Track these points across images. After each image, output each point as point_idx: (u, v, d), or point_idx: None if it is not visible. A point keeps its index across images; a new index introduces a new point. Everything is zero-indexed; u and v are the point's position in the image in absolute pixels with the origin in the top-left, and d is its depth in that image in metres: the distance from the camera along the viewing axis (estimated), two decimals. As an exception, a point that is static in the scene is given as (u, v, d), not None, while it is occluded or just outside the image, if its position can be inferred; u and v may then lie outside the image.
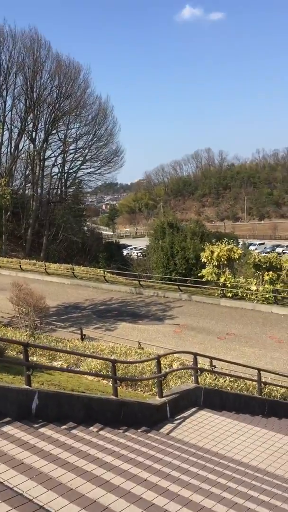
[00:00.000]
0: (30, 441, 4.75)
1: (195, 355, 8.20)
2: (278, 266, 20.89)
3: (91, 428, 6.02)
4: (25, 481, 3.86)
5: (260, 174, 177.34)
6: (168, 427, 7.10)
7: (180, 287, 23.66)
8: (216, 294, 21.88)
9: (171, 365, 9.81)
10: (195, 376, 8.11)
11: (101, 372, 8.98)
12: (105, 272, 28.55)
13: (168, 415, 7.40)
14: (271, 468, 5.81)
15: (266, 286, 20.41)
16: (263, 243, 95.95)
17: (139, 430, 6.60)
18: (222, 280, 21.50)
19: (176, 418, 7.38)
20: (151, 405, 7.22)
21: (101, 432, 5.90)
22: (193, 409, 7.67)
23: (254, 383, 9.43)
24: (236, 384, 9.28)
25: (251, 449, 6.35)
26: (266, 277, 20.55)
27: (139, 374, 9.02)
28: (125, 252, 57.25)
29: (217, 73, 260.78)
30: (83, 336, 15.09)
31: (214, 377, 9.01)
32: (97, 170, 55.05)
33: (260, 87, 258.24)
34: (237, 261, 23.47)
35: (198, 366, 8.61)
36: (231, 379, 9.36)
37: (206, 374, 8.87)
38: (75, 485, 3.94)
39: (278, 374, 10.80)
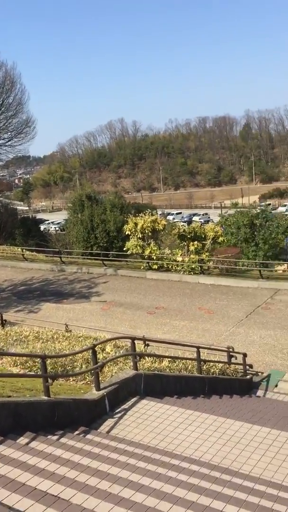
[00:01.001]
0: None
1: (133, 339, 7.46)
2: (203, 236, 20.69)
3: (20, 439, 5.10)
4: None
5: (173, 144, 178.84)
6: (109, 423, 6.34)
7: (104, 262, 22.83)
8: (142, 267, 21.32)
9: (104, 349, 9.02)
10: (134, 362, 7.39)
11: (28, 364, 7.98)
12: (23, 250, 26.96)
13: (108, 409, 6.64)
14: (227, 461, 5.26)
15: (192, 256, 20.16)
16: (180, 213, 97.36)
17: (76, 432, 5.79)
18: (147, 252, 20.95)
19: (116, 411, 6.64)
20: (88, 401, 6.41)
21: (31, 444, 5.00)
22: (134, 399, 6.96)
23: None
24: (175, 364, 8.71)
25: (201, 440, 5.78)
26: (191, 248, 20.28)
27: (69, 362, 8.15)
28: (42, 227, 55.03)
29: (129, 43, 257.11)
30: (3, 322, 13.83)
31: (153, 359, 8.35)
32: (7, 142, 51.75)
33: (171, 58, 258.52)
34: (162, 232, 23.00)
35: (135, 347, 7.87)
36: (170, 359, 8.76)
37: (145, 357, 8.19)
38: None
39: (216, 349, 10.42)
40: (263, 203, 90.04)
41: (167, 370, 8.38)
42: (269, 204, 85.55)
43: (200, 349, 9.18)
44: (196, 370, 8.91)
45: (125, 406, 6.78)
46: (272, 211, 48.72)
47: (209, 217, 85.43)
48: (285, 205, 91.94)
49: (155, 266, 21.02)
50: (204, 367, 9.33)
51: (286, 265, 33.06)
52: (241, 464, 5.16)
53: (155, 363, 8.39)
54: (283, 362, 11.60)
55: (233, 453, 5.40)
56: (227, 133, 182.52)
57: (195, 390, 8.41)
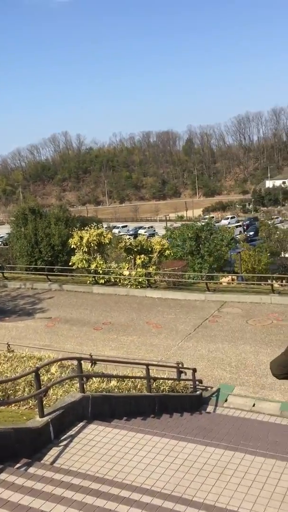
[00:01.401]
0: None
1: (79, 360, 7.05)
2: (149, 249, 20.54)
3: None
4: None
5: (118, 158, 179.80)
6: (53, 452, 5.89)
7: (49, 277, 22.17)
8: (88, 281, 20.88)
9: (48, 370, 8.54)
10: (81, 384, 6.97)
11: None
12: None
13: (52, 437, 6.18)
14: (180, 488, 4.96)
15: (139, 270, 19.95)
16: (126, 226, 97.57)
17: (17, 465, 5.31)
18: (93, 266, 20.53)
19: (62, 439, 6.20)
20: (31, 429, 5.94)
21: None
22: (81, 424, 6.54)
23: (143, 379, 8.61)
24: (124, 383, 8.36)
25: (153, 466, 5.45)
26: (138, 261, 20.07)
27: (11, 386, 7.61)
28: (-16, 242, 53.21)
29: (69, 54, 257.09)
30: None
31: (100, 379, 7.97)
32: None
33: (112, 69, 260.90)
34: (108, 246, 22.67)
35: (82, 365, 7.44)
36: (118, 379, 8.40)
37: (93, 378, 7.80)
38: None
39: (165, 366, 10.17)
40: (206, 216, 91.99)
41: (116, 390, 8.02)
42: (213, 217, 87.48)
43: (150, 366, 8.89)
44: (145, 389, 8.60)
45: (71, 432, 6.35)
46: (215, 224, 49.66)
47: (154, 230, 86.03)
48: (227, 218, 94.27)
49: (101, 281, 20.64)
50: (154, 384, 9.04)
51: (230, 277, 33.69)
52: (195, 491, 4.88)
53: (103, 383, 8.00)
54: (232, 375, 11.52)
55: (187, 479, 5.12)
56: (170, 148, 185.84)
57: (145, 410, 8.09)
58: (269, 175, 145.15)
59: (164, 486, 5.01)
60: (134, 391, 8.49)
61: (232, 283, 24.90)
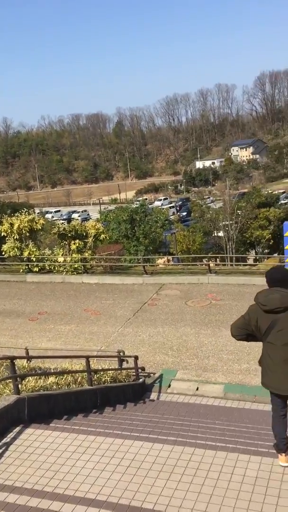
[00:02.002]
0: None
1: (12, 359, 6.44)
2: (84, 234, 19.91)
3: None
4: None
5: (48, 141, 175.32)
6: (-14, 465, 5.30)
7: (-22, 267, 20.94)
8: (21, 270, 19.94)
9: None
10: (15, 385, 6.38)
11: None
12: None
13: (-15, 447, 5.58)
14: (128, 493, 4.57)
15: (74, 255, 19.28)
16: (59, 210, 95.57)
17: None
18: (26, 254, 19.62)
19: (-4, 448, 5.61)
20: None
21: None
22: (17, 429, 5.98)
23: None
24: (63, 378, 7.84)
25: (98, 471, 5.02)
26: (73, 247, 19.39)
27: None
28: None
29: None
30: None
31: (38, 376, 7.39)
32: None
33: (38, 52, 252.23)
34: (41, 232, 21.74)
35: (15, 360, 6.83)
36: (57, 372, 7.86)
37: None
38: None
39: (106, 356, 9.74)
40: (140, 198, 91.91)
41: (54, 386, 7.48)
42: (146, 199, 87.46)
43: (90, 358, 8.42)
44: (86, 382, 8.13)
45: (6, 439, 5.78)
46: (149, 206, 49.63)
47: (88, 214, 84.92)
48: (160, 200, 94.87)
49: (35, 269, 19.78)
50: (95, 376, 8.60)
51: (166, 258, 33.76)
52: (145, 495, 4.50)
53: (40, 380, 7.43)
54: (174, 359, 11.31)
55: (135, 482, 4.73)
56: (101, 130, 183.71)
57: (86, 405, 7.64)
58: (198, 156, 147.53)
59: (111, 493, 4.59)
60: (74, 385, 7.99)
61: (168, 265, 24.85)
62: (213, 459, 4.97)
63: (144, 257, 22.53)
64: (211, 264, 23.56)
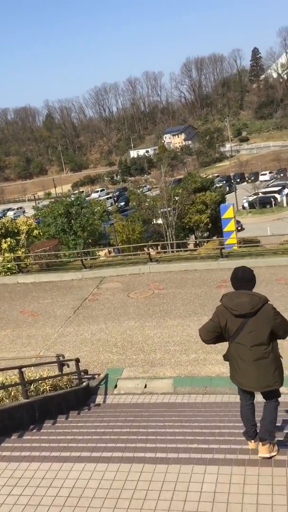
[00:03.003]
0: None
1: None
2: (16, 231, 18.75)
3: None
4: None
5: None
6: None
7: None
8: None
9: None
10: None
11: None
12: None
13: None
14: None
15: (6, 255, 18.11)
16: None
17: None
18: None
19: None
20: None
21: None
22: None
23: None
24: (-6, 395, 6.97)
25: (32, 507, 4.27)
26: (4, 245, 18.20)
27: None
28: None
29: None
30: None
31: None
32: None
33: None
34: None
35: None
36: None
37: None
38: None
39: (43, 363, 8.90)
40: (76, 191, 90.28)
41: (-16, 405, 6.61)
42: (82, 192, 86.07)
43: (26, 368, 7.57)
44: (21, 395, 7.29)
45: None
46: (86, 198, 48.67)
47: (24, 211, 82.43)
48: (97, 191, 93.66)
49: None
50: (32, 386, 7.77)
51: (106, 250, 32.98)
52: (88, 531, 3.82)
53: None
54: (119, 357, 10.65)
55: (77, 516, 4.03)
56: (30, 124, 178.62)
57: (22, 421, 6.83)
58: (132, 145, 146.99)
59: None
60: (7, 400, 7.14)
61: (109, 256, 24.14)
62: (164, 475, 4.36)
63: (82, 250, 21.65)
64: (153, 253, 23.10)
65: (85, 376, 9.60)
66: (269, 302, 4.53)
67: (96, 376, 9.92)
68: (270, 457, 4.51)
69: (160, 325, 12.01)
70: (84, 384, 9.23)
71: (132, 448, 5.02)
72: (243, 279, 4.57)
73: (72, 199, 33.06)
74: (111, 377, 9.77)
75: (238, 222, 45.50)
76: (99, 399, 9.13)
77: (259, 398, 4.76)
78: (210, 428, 5.97)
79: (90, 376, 9.86)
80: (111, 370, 10.04)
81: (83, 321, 12.99)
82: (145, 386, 9.37)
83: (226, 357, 4.77)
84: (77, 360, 9.13)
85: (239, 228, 43.71)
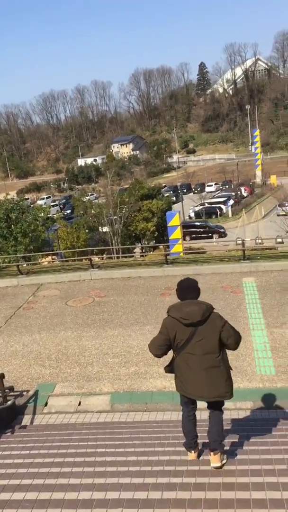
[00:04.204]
0: None
1: None
2: None
3: None
4: None
5: None
6: None
7: None
8: None
9: None
10: None
11: None
12: None
13: None
14: None
15: None
16: None
17: None
18: None
19: None
20: None
21: None
22: None
23: None
24: None
25: None
26: None
27: None
28: None
29: None
30: None
31: None
32: None
33: None
34: None
35: None
36: None
37: None
38: None
39: None
40: (22, 198, 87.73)
41: None
42: (27, 199, 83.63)
43: None
44: None
45: None
46: (32, 205, 47.24)
47: None
48: (43, 198, 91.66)
49: None
50: None
51: (50, 257, 31.64)
52: None
53: None
54: (52, 371, 9.61)
55: None
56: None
57: None
58: (80, 153, 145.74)
59: None
60: None
61: (53, 263, 22.95)
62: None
63: (19, 255, 20.37)
64: (96, 258, 22.17)
65: (11, 394, 8.49)
66: (215, 311, 4.61)
67: (25, 393, 8.83)
68: (222, 466, 4.58)
69: (99, 335, 11.07)
70: (9, 403, 8.12)
71: (51, 487, 4.06)
72: (189, 288, 4.63)
73: (11, 203, 31.48)
74: (41, 393, 8.72)
75: (222, 227, 45.58)
76: (26, 419, 8.05)
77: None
78: (148, 456, 5.11)
79: (18, 393, 8.75)
80: (41, 386, 8.98)
81: (15, 332, 11.83)
82: (79, 404, 8.39)
83: (168, 369, 4.81)
84: (1, 376, 8.02)
85: (224, 234, 43.72)
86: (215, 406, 4.67)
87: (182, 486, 4.12)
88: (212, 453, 4.56)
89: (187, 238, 40.59)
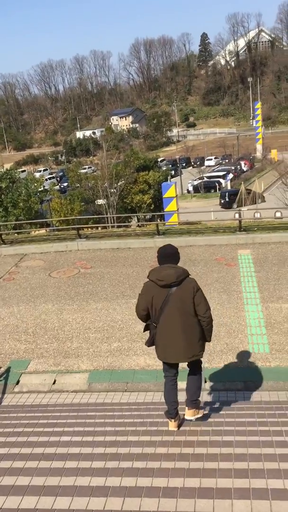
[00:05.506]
0: None
1: None
2: None
3: None
4: None
5: None
6: None
7: None
8: None
9: None
10: None
11: None
12: None
13: None
14: None
15: None
16: None
17: None
18: None
19: None
20: None
21: None
22: None
23: None
24: None
25: None
26: None
27: None
28: None
29: None
30: None
31: None
32: None
33: None
34: None
35: None
36: None
37: None
38: None
39: None
40: (18, 170, 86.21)
41: None
42: (24, 171, 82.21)
43: None
44: None
45: None
46: (21, 174, 46.16)
47: None
48: (40, 171, 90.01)
49: None
50: None
51: (44, 230, 30.74)
52: None
53: None
54: (28, 346, 8.86)
55: None
56: None
57: None
58: (78, 125, 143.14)
59: None
60: None
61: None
62: None
63: (3, 223, 19.49)
64: (86, 230, 21.33)
65: (-21, 371, 7.75)
66: (190, 276, 4.81)
67: (-4, 370, 8.10)
68: (194, 419, 5.03)
69: (81, 308, 10.28)
70: (-25, 380, 7.39)
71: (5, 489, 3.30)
72: (167, 254, 4.83)
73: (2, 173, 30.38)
74: (13, 371, 7.98)
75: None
76: (-6, 399, 7.33)
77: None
78: (117, 446, 4.36)
79: (-12, 370, 8.02)
80: (14, 363, 8.24)
81: (-7, 304, 11.05)
82: (54, 382, 7.66)
83: (149, 342, 4.93)
84: None
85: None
86: (193, 367, 4.95)
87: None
88: (187, 408, 5.04)
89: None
